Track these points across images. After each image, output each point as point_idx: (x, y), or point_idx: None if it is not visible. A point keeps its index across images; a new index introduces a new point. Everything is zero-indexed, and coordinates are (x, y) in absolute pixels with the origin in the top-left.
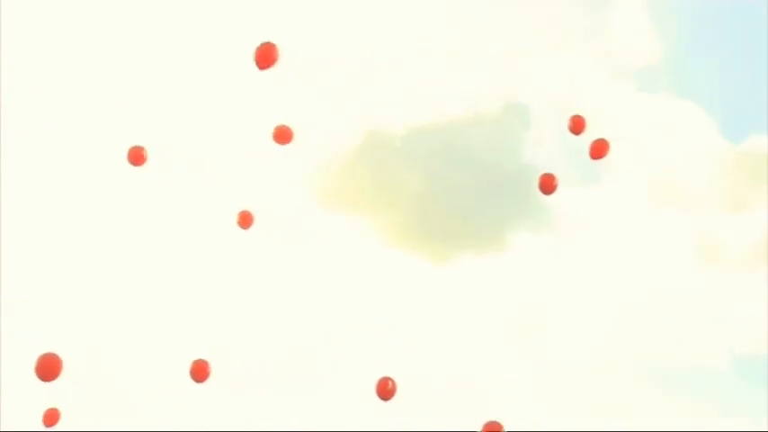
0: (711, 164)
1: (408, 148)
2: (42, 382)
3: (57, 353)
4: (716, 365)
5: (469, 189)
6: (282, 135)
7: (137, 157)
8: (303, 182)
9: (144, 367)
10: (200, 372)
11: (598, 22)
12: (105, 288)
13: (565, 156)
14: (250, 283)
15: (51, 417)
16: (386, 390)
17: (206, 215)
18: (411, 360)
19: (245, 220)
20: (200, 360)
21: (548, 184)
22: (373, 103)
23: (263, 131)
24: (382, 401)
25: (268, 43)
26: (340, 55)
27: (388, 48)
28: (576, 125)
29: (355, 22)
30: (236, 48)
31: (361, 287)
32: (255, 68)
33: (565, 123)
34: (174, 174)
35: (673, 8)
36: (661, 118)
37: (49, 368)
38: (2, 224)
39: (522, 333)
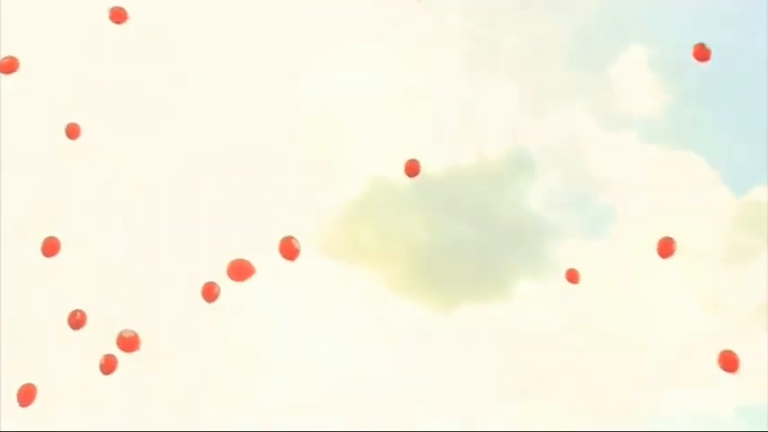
0: (714, 215)
1: (412, 197)
2: None
3: None
4: (717, 413)
5: (473, 239)
6: None
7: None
8: (304, 230)
9: None
10: None
11: (601, 76)
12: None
13: (569, 207)
14: (248, 338)
15: None
16: (211, 293)
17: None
18: (413, 409)
19: (209, 293)
20: None
21: (412, 168)
22: (378, 152)
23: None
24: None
25: None
26: (344, 103)
27: (395, 101)
28: None
29: (362, 73)
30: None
31: (362, 336)
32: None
33: (569, 174)
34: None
35: (675, 62)
36: (664, 169)
37: None
38: None
39: (526, 382)
